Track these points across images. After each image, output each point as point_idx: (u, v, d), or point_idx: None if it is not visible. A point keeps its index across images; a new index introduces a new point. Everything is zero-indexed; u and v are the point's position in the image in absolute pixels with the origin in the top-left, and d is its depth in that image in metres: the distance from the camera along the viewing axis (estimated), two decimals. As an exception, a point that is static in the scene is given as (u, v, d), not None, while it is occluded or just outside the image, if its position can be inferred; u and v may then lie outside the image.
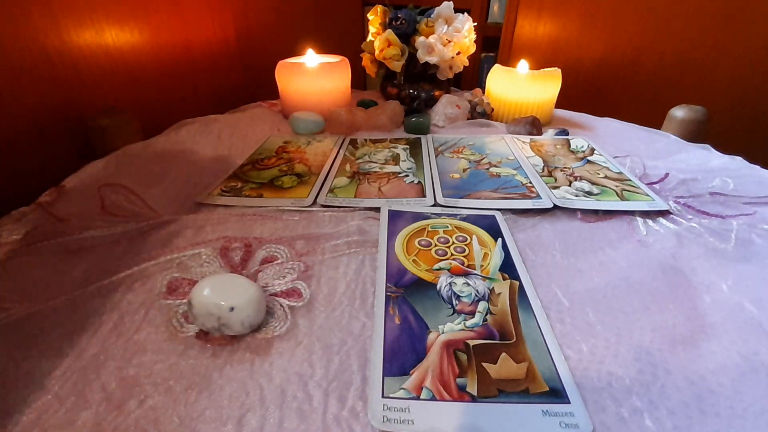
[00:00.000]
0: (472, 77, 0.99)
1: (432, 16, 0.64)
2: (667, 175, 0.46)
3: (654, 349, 0.25)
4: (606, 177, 0.46)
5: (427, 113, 0.66)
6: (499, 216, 0.38)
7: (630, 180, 0.45)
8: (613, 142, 0.57)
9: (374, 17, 0.67)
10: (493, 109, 0.67)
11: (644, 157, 0.51)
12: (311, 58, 0.64)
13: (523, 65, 0.65)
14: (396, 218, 0.38)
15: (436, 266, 0.32)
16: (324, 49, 0.71)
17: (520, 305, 0.28)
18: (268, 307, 0.27)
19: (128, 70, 0.57)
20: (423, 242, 0.34)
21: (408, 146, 0.55)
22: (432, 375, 0.23)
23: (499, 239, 0.35)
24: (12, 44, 0.43)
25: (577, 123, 0.67)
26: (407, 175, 0.46)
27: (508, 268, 0.32)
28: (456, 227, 0.37)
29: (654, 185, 0.44)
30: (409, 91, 0.68)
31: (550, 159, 0.51)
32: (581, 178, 0.45)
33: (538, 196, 0.41)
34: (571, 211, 0.40)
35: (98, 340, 0.25)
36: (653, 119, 0.64)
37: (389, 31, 0.64)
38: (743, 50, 0.72)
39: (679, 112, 0.60)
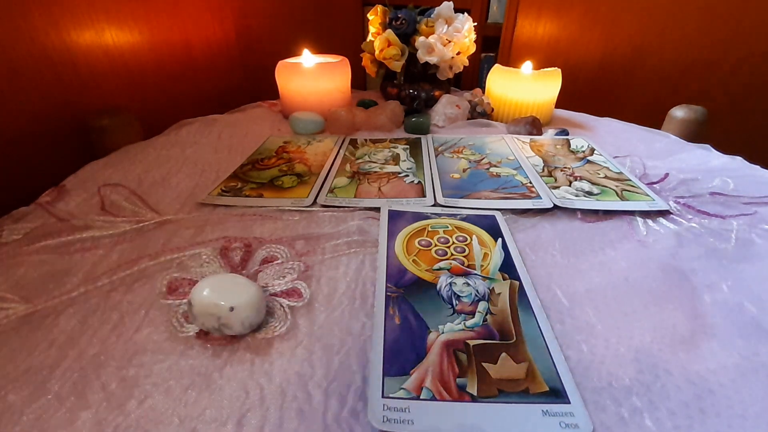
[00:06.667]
0: (472, 77, 0.99)
1: (432, 16, 0.64)
2: (667, 175, 0.47)
3: (654, 349, 0.25)
4: (606, 177, 0.46)
5: (427, 113, 0.66)
6: (499, 216, 0.38)
7: (630, 180, 0.45)
8: (613, 142, 0.57)
9: (374, 17, 0.67)
10: (493, 109, 0.67)
11: (644, 157, 0.51)
12: (307, 58, 0.64)
13: (527, 66, 0.65)
14: (396, 218, 0.38)
15: (436, 266, 0.32)
16: (324, 49, 0.71)
17: (520, 305, 0.28)
18: (268, 307, 0.27)
19: (128, 70, 0.57)
20: (423, 242, 0.34)
21: (408, 146, 0.55)
22: (432, 375, 0.23)
23: (499, 239, 0.35)
24: (12, 44, 0.43)
25: (577, 123, 0.67)
26: (407, 175, 0.46)
27: (508, 268, 0.32)
28: (456, 227, 0.37)
29: (654, 185, 0.44)
30: (409, 91, 0.68)
31: (550, 159, 0.51)
32: (581, 178, 0.45)
33: (538, 196, 0.41)
34: (571, 211, 0.40)
35: (98, 340, 0.25)
36: (653, 119, 0.64)
37: (389, 31, 0.64)
38: (743, 50, 0.72)
39: (679, 112, 0.60)
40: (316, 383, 0.23)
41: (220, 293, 0.25)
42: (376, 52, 0.66)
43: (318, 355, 0.24)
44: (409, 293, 0.29)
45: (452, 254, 0.33)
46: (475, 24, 0.67)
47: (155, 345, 0.25)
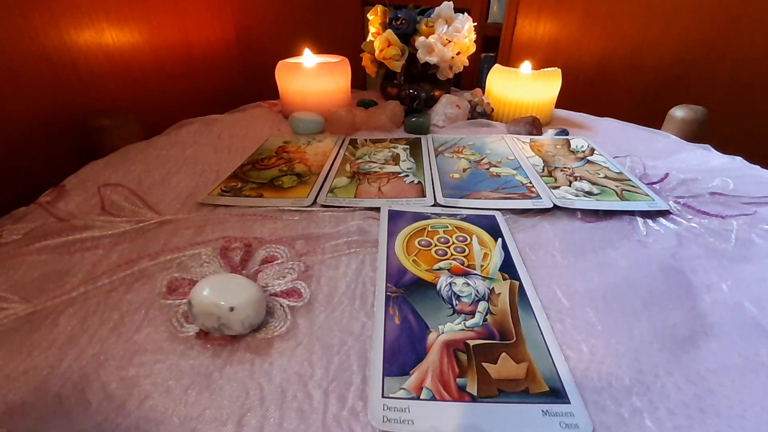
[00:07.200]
0: (472, 77, 0.99)
1: (432, 16, 0.64)
2: (667, 175, 0.47)
3: (654, 349, 0.25)
4: (606, 177, 0.46)
5: (427, 113, 0.66)
6: (499, 216, 0.38)
7: (630, 180, 0.45)
8: (613, 142, 0.57)
9: (374, 17, 0.67)
10: (493, 109, 0.67)
11: (644, 157, 0.51)
12: (308, 58, 0.65)
13: (526, 66, 0.65)
14: (396, 218, 0.38)
15: (436, 266, 0.32)
16: (324, 49, 0.71)
17: (520, 305, 0.28)
18: (268, 307, 0.27)
19: (128, 70, 0.57)
20: (423, 242, 0.34)
21: (408, 146, 0.55)
22: (432, 375, 0.23)
23: (499, 239, 0.35)
24: (12, 44, 0.43)
25: (577, 123, 0.67)
26: (407, 175, 0.46)
27: (508, 268, 0.32)
28: (456, 227, 0.37)
29: (654, 185, 0.44)
30: (409, 91, 0.68)
31: (550, 159, 0.51)
32: (581, 178, 0.45)
33: (538, 196, 0.41)
34: (571, 211, 0.40)
35: (98, 340, 0.25)
36: (653, 119, 0.64)
37: (389, 31, 0.64)
38: (743, 50, 0.72)
39: (679, 112, 0.60)
40: (316, 383, 0.23)
41: (220, 293, 0.25)
42: (376, 52, 0.66)
43: (318, 355, 0.24)
44: (409, 293, 0.29)
45: (452, 254, 0.33)
46: (475, 24, 0.67)
47: (155, 345, 0.25)
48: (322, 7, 0.92)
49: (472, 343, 0.25)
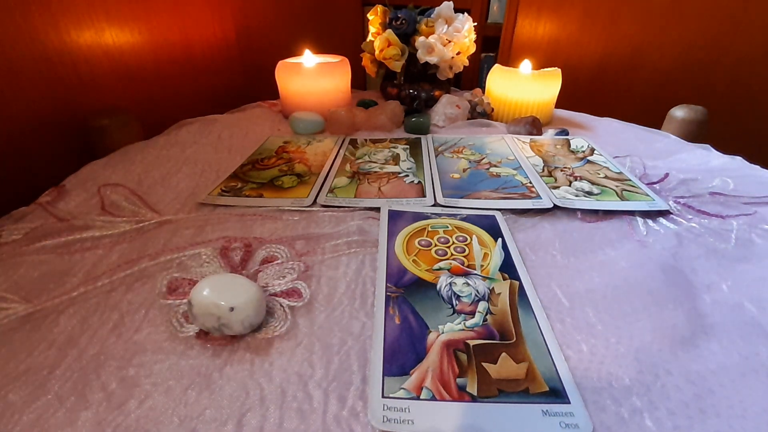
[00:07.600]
0: (472, 77, 0.99)
1: (432, 16, 0.64)
2: (667, 175, 0.47)
3: (654, 349, 0.25)
4: (606, 177, 0.46)
5: (427, 113, 0.66)
6: (499, 216, 0.38)
7: (630, 180, 0.45)
8: (613, 142, 0.57)
9: (374, 17, 0.67)
10: (493, 109, 0.67)
11: (644, 157, 0.51)
12: (308, 58, 0.65)
13: (526, 65, 0.65)
14: (396, 218, 0.38)
15: (436, 266, 0.32)
16: (324, 49, 0.71)
17: (520, 305, 0.28)
18: (268, 307, 0.27)
19: (128, 70, 0.57)
20: (423, 242, 0.34)
21: (408, 146, 0.55)
22: (432, 375, 0.23)
23: (499, 239, 0.35)
24: (12, 44, 0.43)
25: (577, 123, 0.67)
26: (407, 175, 0.46)
27: (508, 268, 0.32)
28: (456, 227, 0.37)
29: (654, 185, 0.44)
30: (409, 91, 0.68)
31: (550, 159, 0.51)
32: (581, 178, 0.45)
33: (538, 196, 0.41)
34: (571, 211, 0.40)
35: (98, 340, 0.25)
36: (653, 119, 0.64)
37: (389, 31, 0.64)
38: (743, 50, 0.72)
39: (679, 112, 0.60)
40: (316, 383, 0.23)
41: (220, 293, 0.25)
42: (376, 52, 0.66)
43: (318, 355, 0.24)
44: (409, 293, 0.29)
45: (452, 254, 0.33)
46: (475, 24, 0.67)
47: (155, 345, 0.25)
48: (322, 7, 0.92)
49: (472, 343, 0.25)
